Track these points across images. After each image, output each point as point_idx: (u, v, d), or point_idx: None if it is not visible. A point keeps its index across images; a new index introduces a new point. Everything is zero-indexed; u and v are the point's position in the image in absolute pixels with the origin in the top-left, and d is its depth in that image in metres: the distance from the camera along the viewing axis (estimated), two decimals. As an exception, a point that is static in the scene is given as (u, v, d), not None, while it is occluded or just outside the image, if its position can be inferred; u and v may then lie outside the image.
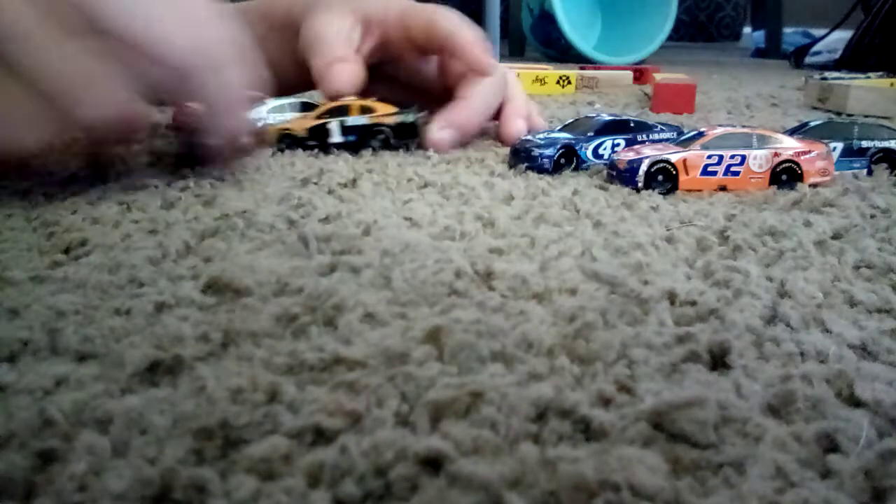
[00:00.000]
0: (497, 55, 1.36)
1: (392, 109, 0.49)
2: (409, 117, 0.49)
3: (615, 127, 0.46)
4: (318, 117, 0.48)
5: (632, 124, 0.46)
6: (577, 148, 0.44)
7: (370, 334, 0.21)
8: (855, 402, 0.18)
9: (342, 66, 0.50)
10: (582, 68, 1.11)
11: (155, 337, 0.21)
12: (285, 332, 0.21)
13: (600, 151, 0.45)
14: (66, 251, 0.29)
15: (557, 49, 1.57)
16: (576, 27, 1.49)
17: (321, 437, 0.16)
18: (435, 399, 0.17)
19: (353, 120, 0.48)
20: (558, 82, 0.95)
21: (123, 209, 0.34)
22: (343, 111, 0.48)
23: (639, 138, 0.45)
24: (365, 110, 0.49)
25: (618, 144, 0.45)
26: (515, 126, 0.53)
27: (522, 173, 0.43)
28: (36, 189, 0.37)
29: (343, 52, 0.50)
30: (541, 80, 0.95)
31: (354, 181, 0.39)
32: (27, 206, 0.35)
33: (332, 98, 0.50)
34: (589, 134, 0.45)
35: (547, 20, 1.54)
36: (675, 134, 0.46)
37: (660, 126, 0.47)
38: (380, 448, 0.15)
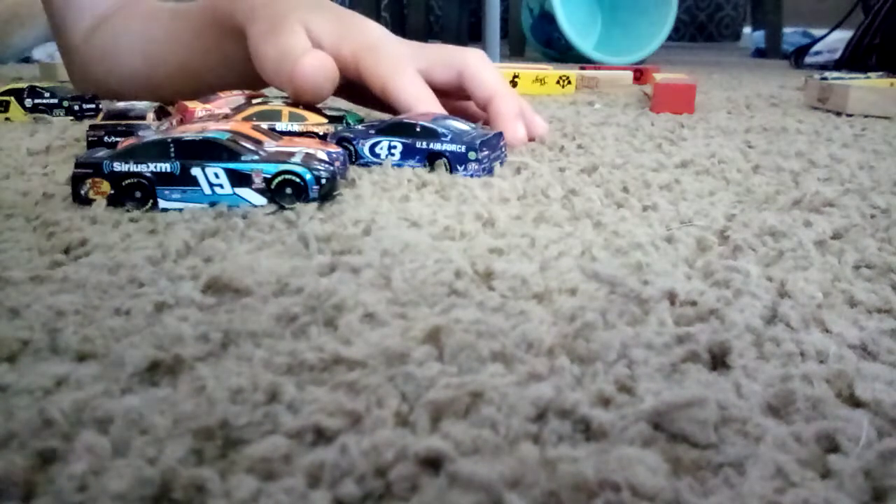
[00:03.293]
0: (497, 55, 1.36)
1: (323, 119, 0.48)
2: (340, 129, 0.48)
3: (398, 129, 0.44)
4: (245, 119, 0.46)
5: (418, 129, 0.44)
6: (354, 143, 0.44)
7: (370, 334, 0.21)
8: (855, 402, 0.18)
9: (311, 57, 0.48)
10: (582, 68, 1.11)
11: (155, 337, 0.21)
12: (285, 332, 0.21)
13: (377, 150, 0.44)
14: (66, 251, 0.29)
15: (557, 49, 1.57)
16: (576, 27, 1.49)
17: (321, 437, 0.16)
18: (435, 399, 0.17)
19: (284, 126, 0.47)
20: (558, 82, 0.95)
21: (123, 209, 0.34)
22: (273, 116, 0.47)
23: (418, 144, 0.43)
24: (295, 118, 0.47)
25: (394, 147, 0.44)
26: (516, 127, 0.51)
27: (518, 173, 0.43)
28: (36, 189, 0.38)
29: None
30: (541, 80, 0.95)
31: (353, 181, 0.39)
32: (27, 206, 0.35)
33: (304, 102, 0.48)
34: (370, 131, 0.45)
35: (547, 20, 1.55)
36: (462, 147, 0.43)
37: (451, 135, 0.43)
38: (380, 448, 0.15)
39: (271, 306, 0.23)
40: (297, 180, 0.34)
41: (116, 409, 0.17)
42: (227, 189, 0.34)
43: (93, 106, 0.63)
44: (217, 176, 0.34)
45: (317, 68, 0.48)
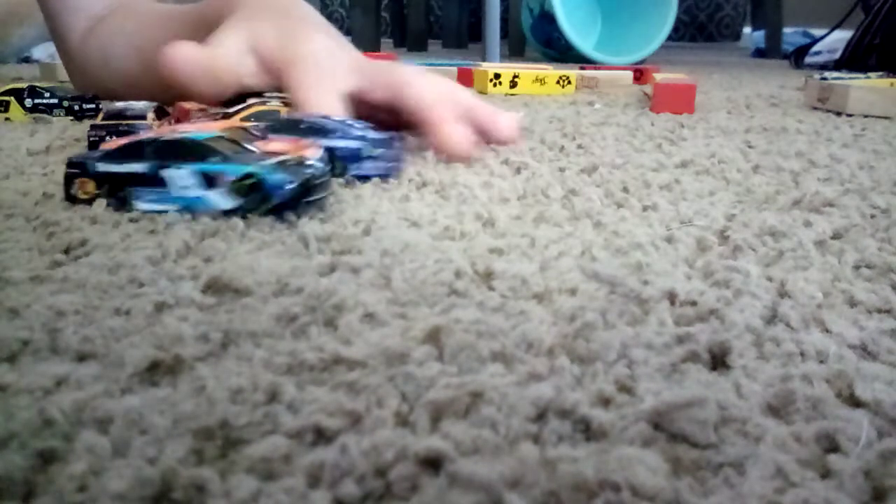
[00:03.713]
0: (497, 55, 1.36)
1: None
2: None
3: (285, 127, 0.41)
4: (243, 120, 0.45)
5: (302, 126, 0.41)
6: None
7: (370, 334, 0.21)
8: (855, 402, 0.18)
9: (182, 47, 0.45)
10: (582, 68, 1.11)
11: (155, 337, 0.21)
12: (285, 332, 0.21)
13: None
14: (66, 251, 0.29)
15: (557, 49, 1.57)
16: (576, 27, 1.49)
17: (321, 437, 0.16)
18: (435, 399, 0.17)
19: None
20: (558, 82, 0.95)
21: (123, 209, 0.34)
22: (270, 116, 0.46)
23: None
24: None
25: None
26: (450, 132, 0.46)
27: (518, 173, 0.43)
28: (36, 189, 0.38)
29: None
30: (541, 80, 0.95)
31: (353, 181, 0.39)
32: (27, 206, 0.35)
33: (188, 97, 0.47)
34: (263, 131, 0.42)
35: (547, 20, 1.55)
36: (354, 143, 0.40)
37: (341, 132, 0.41)
38: (380, 448, 0.15)
39: (271, 306, 0.23)
40: (263, 184, 0.32)
41: (116, 409, 0.17)
42: (196, 191, 0.33)
43: (93, 106, 0.63)
44: (185, 177, 0.33)
45: (185, 59, 0.45)
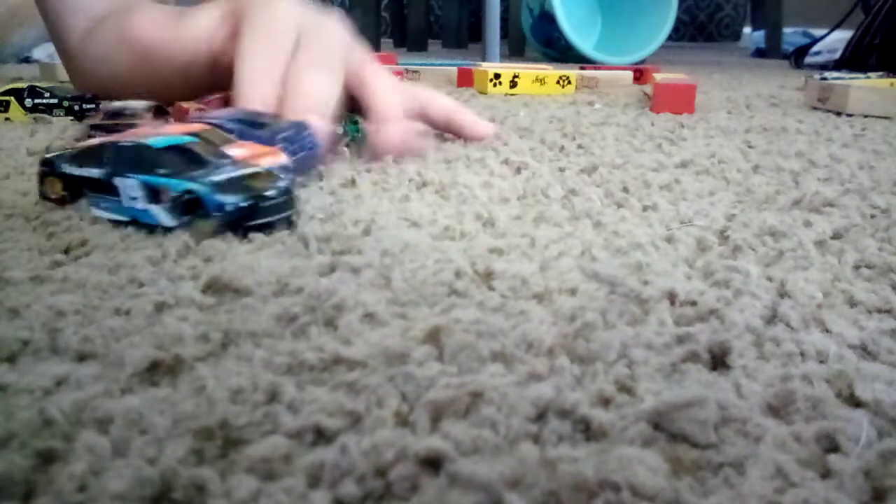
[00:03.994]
0: (497, 55, 1.36)
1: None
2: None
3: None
4: None
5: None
6: None
7: (370, 334, 0.21)
8: (855, 402, 0.18)
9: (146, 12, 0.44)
10: (582, 68, 1.11)
11: (155, 337, 0.21)
12: (285, 332, 0.21)
13: None
14: (66, 251, 0.29)
15: (557, 49, 1.57)
16: (576, 27, 1.49)
17: (321, 437, 0.16)
18: (435, 399, 0.17)
19: None
20: (558, 82, 0.95)
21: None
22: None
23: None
24: None
25: None
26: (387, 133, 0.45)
27: (518, 173, 0.43)
28: (36, 189, 0.37)
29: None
30: (541, 80, 0.95)
31: (353, 181, 0.39)
32: (27, 206, 0.35)
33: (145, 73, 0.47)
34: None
35: (547, 20, 1.54)
36: (298, 146, 0.38)
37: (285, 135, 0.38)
38: (380, 448, 0.15)
39: (271, 306, 0.23)
40: (202, 202, 0.30)
41: (116, 409, 0.17)
42: (143, 204, 0.30)
43: (93, 106, 0.63)
44: (133, 188, 0.30)
45: (151, 25, 0.44)
